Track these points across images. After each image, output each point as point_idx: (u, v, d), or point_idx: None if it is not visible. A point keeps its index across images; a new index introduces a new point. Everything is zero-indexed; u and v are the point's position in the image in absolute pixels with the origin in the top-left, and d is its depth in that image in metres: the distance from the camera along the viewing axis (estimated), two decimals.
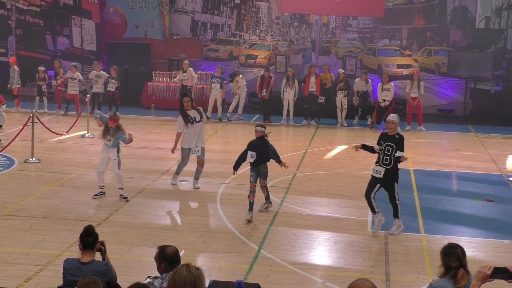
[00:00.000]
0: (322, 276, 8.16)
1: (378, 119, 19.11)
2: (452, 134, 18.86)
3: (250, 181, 10.27)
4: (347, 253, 8.93)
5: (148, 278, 5.47)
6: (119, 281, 5.89)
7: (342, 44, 22.30)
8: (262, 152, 10.19)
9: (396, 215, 9.67)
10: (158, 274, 5.46)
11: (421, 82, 19.12)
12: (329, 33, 22.38)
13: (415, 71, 19.77)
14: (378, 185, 9.55)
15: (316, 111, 19.41)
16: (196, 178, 11.98)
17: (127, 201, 10.88)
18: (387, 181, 9.45)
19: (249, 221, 10.01)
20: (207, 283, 5.68)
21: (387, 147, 9.35)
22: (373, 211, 9.70)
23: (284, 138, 18.08)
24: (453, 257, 5.06)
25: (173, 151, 11.88)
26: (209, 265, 8.26)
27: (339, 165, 14.10)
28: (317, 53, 22.28)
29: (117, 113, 11.66)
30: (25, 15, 22.94)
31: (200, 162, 11.87)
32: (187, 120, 11.55)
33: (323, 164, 14.45)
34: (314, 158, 14.98)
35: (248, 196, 10.16)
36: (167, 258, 5.21)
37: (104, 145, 10.93)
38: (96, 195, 11.04)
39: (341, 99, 19.25)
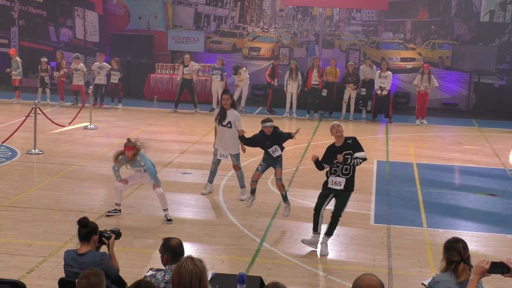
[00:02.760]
0: (324, 269, 8.15)
1: (376, 112, 19.04)
2: (456, 128, 18.81)
3: (257, 170, 9.79)
4: (350, 247, 8.92)
5: (150, 271, 5.46)
6: (121, 273, 5.89)
7: (345, 37, 22.22)
8: (279, 144, 9.78)
9: (331, 233, 8.65)
10: (161, 266, 5.45)
11: (432, 76, 19.04)
12: (332, 25, 22.30)
13: (425, 65, 19.66)
14: (331, 196, 8.63)
15: (319, 104, 19.33)
16: (242, 185, 10.86)
17: (171, 222, 9.64)
18: (345, 192, 8.53)
19: (249, 206, 9.99)
20: (209, 276, 5.67)
21: (345, 157, 8.43)
22: (316, 229, 8.67)
23: (287, 131, 18.01)
24: (454, 252, 5.07)
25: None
26: (212, 258, 8.26)
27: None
28: (321, 46, 22.21)
29: (132, 139, 9.66)
30: (28, 6, 22.89)
31: (235, 167, 10.85)
32: (216, 117, 10.52)
33: None
34: (317, 151, 14.90)
35: (251, 184, 9.86)
36: (170, 250, 5.20)
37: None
38: (110, 212, 9.84)
39: (350, 92, 19.15)
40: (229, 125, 10.39)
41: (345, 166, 8.46)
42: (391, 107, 19.08)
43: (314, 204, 8.77)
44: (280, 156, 9.77)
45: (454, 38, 21.61)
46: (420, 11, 21.72)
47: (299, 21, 22.45)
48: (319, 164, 8.69)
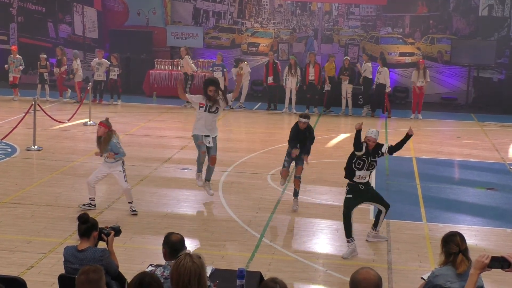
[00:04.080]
0: (324, 264, 8.17)
1: (374, 106, 19.06)
2: (455, 122, 18.82)
3: (284, 166, 10.13)
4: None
5: (150, 266, 5.47)
6: (121, 269, 5.90)
7: (344, 32, 22.20)
8: (305, 142, 9.98)
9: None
10: (160, 262, 5.46)
11: (427, 71, 19.05)
12: (331, 21, 22.28)
13: (420, 60, 19.69)
14: (359, 200, 8.61)
15: (318, 99, 19.32)
16: (208, 178, 10.54)
17: (136, 214, 9.73)
18: (369, 185, 8.74)
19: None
20: (209, 271, 5.68)
21: (371, 163, 8.58)
22: (350, 235, 8.44)
23: (287, 126, 18.03)
24: (452, 244, 5.09)
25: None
26: (211, 253, 8.27)
27: (341, 153, 14.06)
28: (320, 41, 22.20)
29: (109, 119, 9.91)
30: (27, 3, 22.85)
31: (212, 159, 10.40)
32: (206, 107, 10.19)
33: (325, 152, 14.42)
34: (316, 146, 14.87)
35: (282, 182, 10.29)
36: (169, 244, 5.22)
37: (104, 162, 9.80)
38: (84, 205, 9.82)
39: (346, 86, 19.16)
40: (216, 111, 10.31)
41: (371, 161, 8.57)
42: (386, 102, 19.05)
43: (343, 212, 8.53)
44: (301, 154, 9.99)
45: (453, 33, 21.60)
46: (419, 6, 21.70)
47: (297, 16, 22.43)
48: (358, 138, 8.57)
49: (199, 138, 10.28)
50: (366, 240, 8.94)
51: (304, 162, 10.06)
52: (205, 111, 10.20)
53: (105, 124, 9.63)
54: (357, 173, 8.52)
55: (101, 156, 9.75)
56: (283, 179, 10.31)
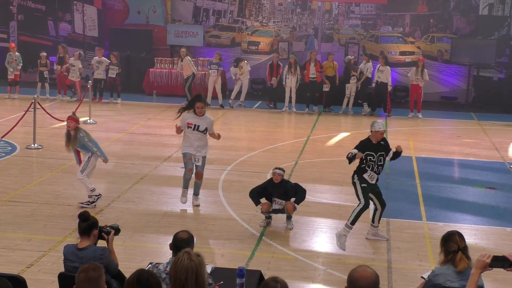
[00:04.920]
0: (323, 263, 8.16)
1: (374, 105, 19.04)
2: (455, 121, 18.82)
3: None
4: (349, 240, 8.90)
5: (150, 265, 5.47)
6: (120, 267, 5.90)
7: (344, 31, 22.19)
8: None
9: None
10: (160, 260, 5.48)
11: (425, 69, 19.04)
12: (331, 19, 22.27)
13: (420, 58, 19.69)
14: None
15: (318, 97, 19.30)
16: (196, 193, 10.24)
17: (93, 206, 9.73)
18: (376, 184, 8.74)
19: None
20: (208, 270, 5.68)
21: (379, 157, 8.58)
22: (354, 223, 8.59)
23: (287, 125, 18.07)
24: (451, 242, 5.10)
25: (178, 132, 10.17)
26: (211, 252, 8.27)
27: (341, 152, 14.05)
28: (320, 39, 22.19)
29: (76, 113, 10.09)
30: (27, 1, 22.84)
31: (198, 175, 10.04)
32: (191, 123, 9.92)
33: (325, 151, 14.43)
34: (316, 145, 14.96)
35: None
36: (173, 241, 5.30)
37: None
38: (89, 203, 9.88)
39: (351, 86, 19.09)
40: (205, 132, 9.93)
41: (378, 165, 8.58)
42: (388, 101, 19.05)
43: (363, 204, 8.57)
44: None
45: (453, 32, 21.59)
46: (419, 5, 21.69)
47: (298, 15, 22.42)
48: (353, 158, 8.54)
49: (187, 155, 9.95)
50: (366, 238, 8.94)
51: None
52: (193, 130, 9.90)
53: (75, 118, 9.71)
54: (366, 174, 8.55)
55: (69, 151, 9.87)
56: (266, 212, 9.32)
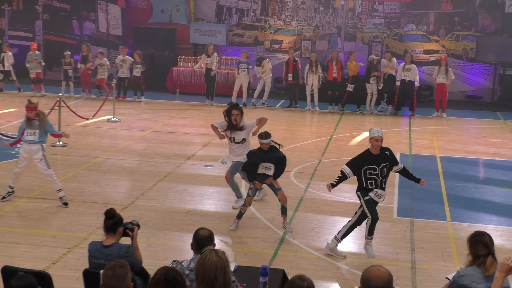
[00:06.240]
0: (347, 262, 8.13)
1: (399, 104, 18.91)
2: (480, 120, 18.62)
3: (248, 195, 9.03)
4: (373, 240, 8.86)
5: (173, 263, 5.49)
6: (144, 265, 5.93)
7: (368, 30, 22.08)
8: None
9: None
10: (183, 258, 5.50)
11: (449, 68, 18.85)
12: (355, 18, 22.17)
13: (443, 56, 19.53)
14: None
15: (338, 96, 19.15)
16: (239, 195, 10.15)
17: (67, 206, 9.74)
18: None
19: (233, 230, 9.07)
20: (232, 268, 5.68)
21: (383, 169, 7.95)
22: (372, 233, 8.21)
23: (309, 124, 18.02)
24: (481, 245, 5.01)
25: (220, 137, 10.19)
26: (234, 250, 8.28)
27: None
28: (343, 38, 22.10)
29: (32, 100, 10.08)
30: (52, 0, 23.07)
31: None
32: (228, 134, 9.90)
33: (348, 150, 14.35)
34: (339, 144, 14.90)
35: (242, 208, 9.15)
36: (195, 238, 5.31)
37: (24, 144, 9.65)
38: (4, 197, 9.96)
39: (372, 85, 18.96)
40: (243, 141, 9.89)
41: (383, 180, 7.93)
42: (414, 100, 18.92)
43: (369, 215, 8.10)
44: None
45: (478, 30, 21.37)
46: (444, 3, 21.50)
47: (321, 13, 22.35)
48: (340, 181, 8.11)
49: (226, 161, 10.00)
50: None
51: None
52: (231, 141, 9.92)
53: (35, 107, 9.69)
54: (372, 193, 7.93)
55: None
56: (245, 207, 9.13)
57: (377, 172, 7.92)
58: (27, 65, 19.85)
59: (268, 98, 19.74)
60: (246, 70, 19.31)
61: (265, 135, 8.94)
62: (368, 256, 8.25)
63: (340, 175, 8.15)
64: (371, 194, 7.97)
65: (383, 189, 8.01)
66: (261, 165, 8.90)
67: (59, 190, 9.81)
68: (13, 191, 10.10)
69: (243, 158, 9.68)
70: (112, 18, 23.04)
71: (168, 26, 22.47)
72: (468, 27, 21.47)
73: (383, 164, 7.94)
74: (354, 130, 16.57)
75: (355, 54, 19.32)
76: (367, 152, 8.07)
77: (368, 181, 7.95)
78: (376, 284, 3.88)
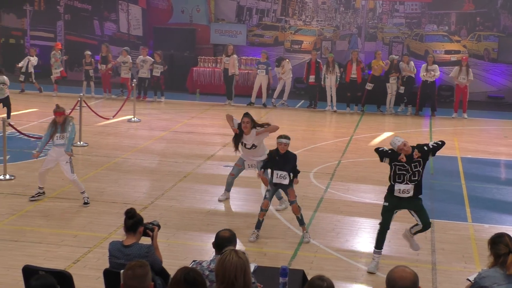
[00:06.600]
0: (366, 263, 8.09)
1: (421, 105, 18.79)
2: (502, 121, 18.44)
3: (265, 197, 8.80)
4: (393, 241, 8.82)
5: (193, 263, 5.51)
6: (164, 265, 5.95)
7: (388, 30, 21.96)
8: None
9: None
10: (203, 259, 5.51)
11: (470, 68, 18.69)
12: (375, 18, 22.07)
13: (463, 57, 19.37)
14: (396, 211, 7.87)
15: (359, 97, 19.07)
16: (279, 197, 10.05)
17: (87, 205, 9.87)
18: (415, 199, 7.76)
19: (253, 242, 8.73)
20: (252, 269, 5.69)
21: (414, 165, 7.63)
22: (380, 247, 7.87)
23: (328, 124, 17.97)
24: (501, 245, 4.99)
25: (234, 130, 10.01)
26: (254, 251, 8.28)
27: None
28: (363, 38, 22.01)
29: (59, 104, 10.14)
30: (74, 1, 23.26)
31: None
32: (237, 143, 9.90)
33: (368, 150, 14.28)
34: (359, 144, 14.84)
35: (259, 215, 8.85)
36: (216, 239, 5.34)
37: (55, 146, 9.87)
38: (33, 196, 10.11)
39: (392, 85, 18.85)
40: (254, 147, 9.85)
41: (413, 172, 7.61)
42: (435, 101, 18.79)
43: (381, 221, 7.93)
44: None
45: (500, 30, 21.16)
46: (465, 3, 21.32)
47: (341, 13, 22.27)
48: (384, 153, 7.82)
49: (239, 161, 10.19)
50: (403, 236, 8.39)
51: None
52: (243, 146, 9.90)
53: (63, 111, 9.89)
54: (397, 186, 7.64)
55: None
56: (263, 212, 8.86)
57: (406, 168, 7.62)
58: (53, 64, 20.12)
59: (288, 98, 19.71)
60: (265, 70, 19.29)
61: (285, 136, 8.81)
62: (370, 270, 7.88)
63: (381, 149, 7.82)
64: (396, 190, 7.63)
65: (412, 181, 7.61)
66: (275, 174, 8.64)
67: (82, 192, 9.94)
68: (43, 192, 10.18)
69: (258, 161, 9.81)
70: (133, 19, 23.17)
71: (189, 27, 22.54)
72: (490, 27, 21.27)
73: (414, 161, 7.62)
74: (374, 130, 16.50)
75: (380, 53, 19.13)
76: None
77: (396, 178, 7.66)
78: (401, 285, 3.87)
